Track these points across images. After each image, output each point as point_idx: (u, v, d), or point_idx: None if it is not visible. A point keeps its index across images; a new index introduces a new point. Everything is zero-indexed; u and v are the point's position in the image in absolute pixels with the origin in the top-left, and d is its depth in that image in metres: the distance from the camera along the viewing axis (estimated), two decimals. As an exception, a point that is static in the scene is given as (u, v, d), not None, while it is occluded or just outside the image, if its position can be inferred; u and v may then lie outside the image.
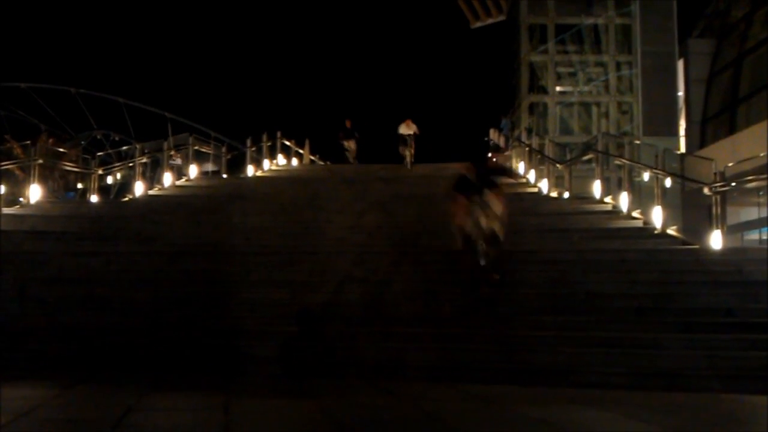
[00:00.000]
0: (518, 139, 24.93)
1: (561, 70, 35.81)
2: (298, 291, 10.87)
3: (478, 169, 10.88)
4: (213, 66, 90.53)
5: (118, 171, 28.88)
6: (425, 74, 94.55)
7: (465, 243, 10.54)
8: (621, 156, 17.66)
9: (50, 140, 33.55)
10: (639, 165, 17.24)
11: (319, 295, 10.68)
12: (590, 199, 17.00)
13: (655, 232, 13.74)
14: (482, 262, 10.32)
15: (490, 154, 26.13)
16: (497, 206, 10.39)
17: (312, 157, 32.24)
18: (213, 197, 19.16)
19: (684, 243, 13.05)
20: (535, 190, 19.49)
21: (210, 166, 27.53)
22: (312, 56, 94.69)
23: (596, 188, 17.02)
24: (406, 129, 25.01)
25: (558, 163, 19.45)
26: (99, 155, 31.51)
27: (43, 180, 20.49)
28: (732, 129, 29.89)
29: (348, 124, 28.01)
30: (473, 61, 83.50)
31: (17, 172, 22.45)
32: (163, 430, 5.42)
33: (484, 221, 10.30)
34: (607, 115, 34.78)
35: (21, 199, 17.50)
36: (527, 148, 22.34)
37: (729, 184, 13.22)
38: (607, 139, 21.22)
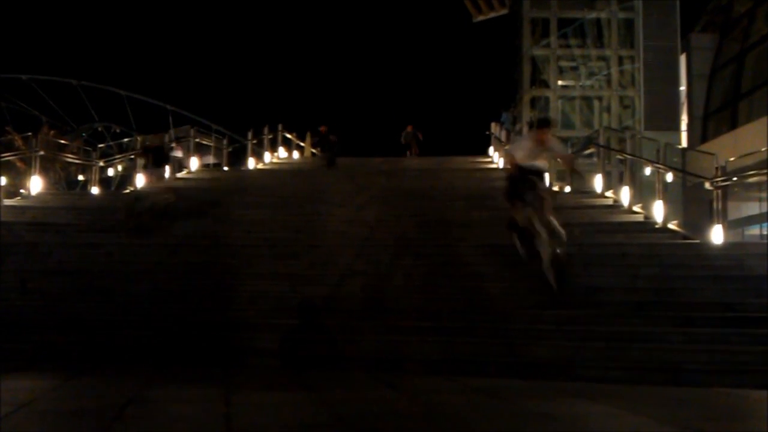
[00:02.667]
0: (519, 132, 24.86)
1: (563, 64, 35.80)
2: (299, 283, 10.88)
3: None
4: (215, 58, 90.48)
5: (119, 163, 28.91)
6: (427, 68, 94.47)
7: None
8: (622, 150, 17.64)
9: (51, 132, 33.60)
10: (640, 159, 17.20)
11: (320, 288, 10.68)
12: (591, 194, 17.00)
13: (656, 226, 13.73)
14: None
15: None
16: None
17: (313, 150, 32.24)
18: (214, 190, 19.17)
19: (685, 237, 13.05)
20: (537, 184, 19.44)
21: (211, 159, 27.54)
22: (314, 49, 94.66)
23: (597, 182, 17.01)
24: (537, 151, 10.72)
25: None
26: (100, 147, 31.51)
27: (45, 172, 20.53)
28: (734, 124, 29.87)
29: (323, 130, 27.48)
30: (475, 55, 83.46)
31: (18, 163, 22.49)
32: (165, 422, 5.42)
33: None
34: (608, 109, 34.78)
35: (22, 190, 17.52)
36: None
37: (730, 179, 13.22)
38: (609, 134, 21.13)
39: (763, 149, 21.06)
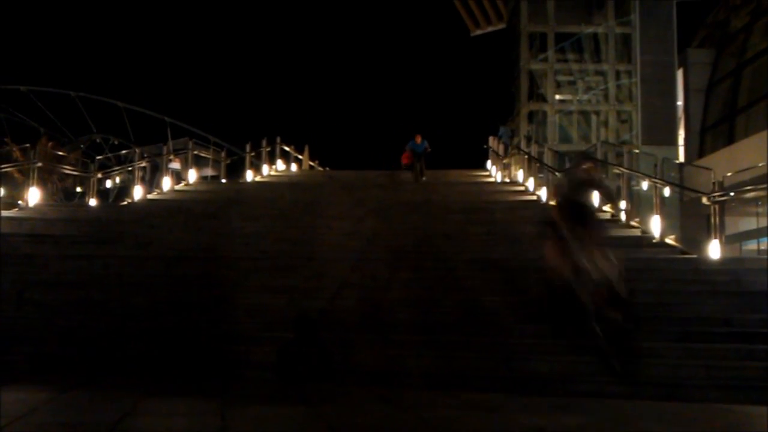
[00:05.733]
0: (517, 146, 24.91)
1: (560, 78, 35.82)
2: (296, 297, 10.86)
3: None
4: (213, 71, 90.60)
5: (117, 175, 28.92)
6: (425, 81, 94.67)
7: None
8: (620, 165, 17.67)
9: (50, 143, 33.63)
10: (638, 174, 17.25)
11: (316, 301, 10.67)
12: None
13: (654, 241, 13.74)
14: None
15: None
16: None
17: (311, 163, 32.31)
18: (212, 202, 19.17)
19: (682, 252, 13.06)
20: (534, 197, 19.50)
21: (209, 171, 27.56)
22: (313, 63, 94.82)
23: (595, 197, 17.02)
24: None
25: (557, 171, 19.47)
26: (98, 159, 31.50)
27: (42, 183, 20.53)
28: (731, 139, 29.93)
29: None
30: (473, 68, 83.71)
31: (16, 175, 22.49)
32: (159, 435, 5.41)
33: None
34: (606, 123, 34.79)
35: (20, 202, 17.50)
36: (526, 156, 22.36)
37: (727, 194, 13.22)
38: (606, 148, 21.24)
39: (761, 164, 21.10)
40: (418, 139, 24.66)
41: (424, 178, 23.53)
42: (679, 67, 34.19)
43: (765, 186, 14.92)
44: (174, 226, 15.77)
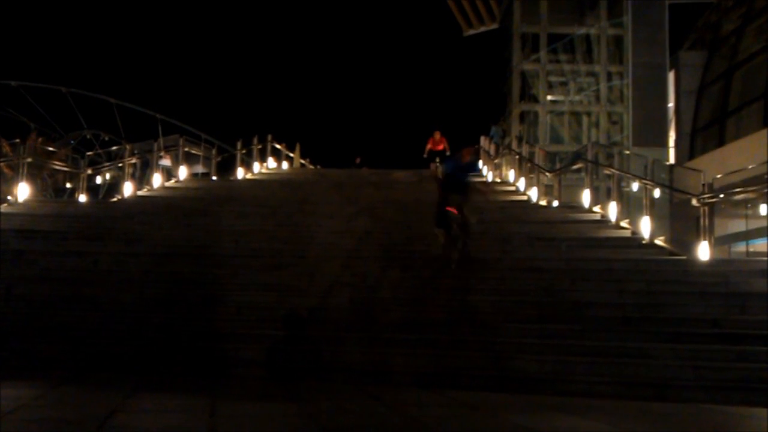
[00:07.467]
0: (509, 147, 24.92)
1: (552, 79, 35.87)
2: (286, 295, 10.86)
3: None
4: (205, 68, 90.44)
5: (108, 171, 28.80)
6: (418, 80, 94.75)
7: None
8: (610, 166, 17.73)
9: (40, 139, 33.48)
10: (628, 175, 17.32)
11: (307, 299, 10.67)
12: (579, 208, 17.04)
13: (643, 242, 13.78)
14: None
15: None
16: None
17: (302, 161, 32.25)
18: (202, 199, 19.13)
19: (671, 253, 13.10)
20: (525, 198, 19.53)
21: (200, 168, 27.48)
22: (305, 61, 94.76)
23: (585, 197, 17.07)
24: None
25: (548, 171, 19.51)
26: (88, 155, 31.40)
27: (32, 179, 20.44)
28: (721, 141, 30.02)
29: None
30: (465, 68, 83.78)
31: (6, 170, 22.38)
32: (148, 432, 5.40)
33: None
34: (597, 124, 34.86)
35: (9, 197, 17.43)
36: (517, 157, 22.39)
37: (717, 196, 13.27)
38: (597, 149, 21.26)
39: (750, 166, 21.19)
40: (467, 155, 13.88)
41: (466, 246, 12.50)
42: (670, 69, 34.27)
43: (754, 188, 14.98)
44: (164, 223, 15.74)
